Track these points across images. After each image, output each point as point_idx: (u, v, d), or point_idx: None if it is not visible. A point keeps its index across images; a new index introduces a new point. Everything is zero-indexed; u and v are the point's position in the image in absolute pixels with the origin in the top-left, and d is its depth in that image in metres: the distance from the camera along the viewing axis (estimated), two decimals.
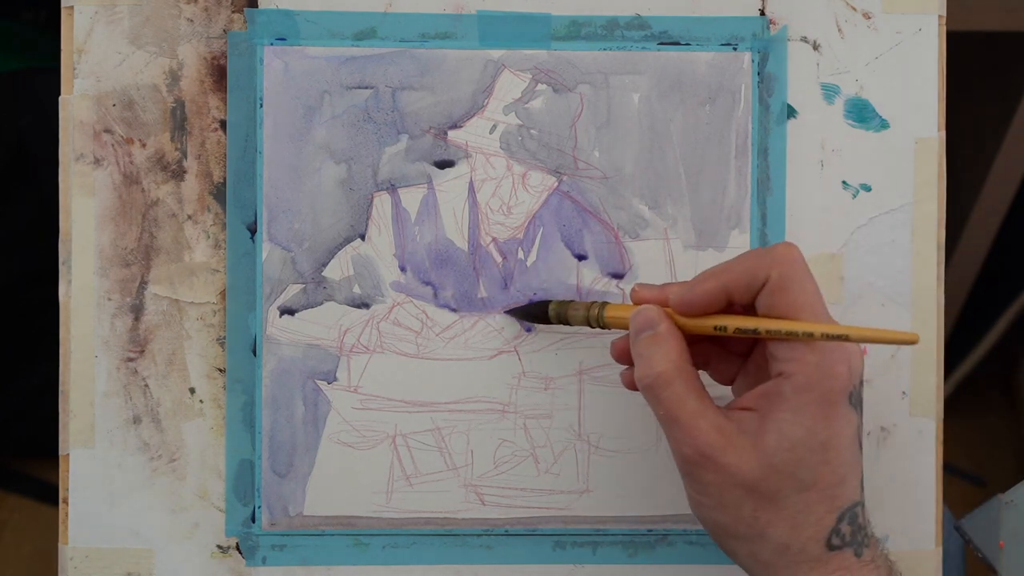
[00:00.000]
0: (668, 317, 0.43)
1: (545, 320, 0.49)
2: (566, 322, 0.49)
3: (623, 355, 0.46)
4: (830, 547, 0.41)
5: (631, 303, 0.46)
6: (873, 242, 0.51)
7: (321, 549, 0.51)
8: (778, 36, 0.51)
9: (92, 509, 0.51)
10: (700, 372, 0.44)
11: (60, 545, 0.51)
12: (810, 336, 0.40)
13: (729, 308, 0.43)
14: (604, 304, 0.47)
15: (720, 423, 0.41)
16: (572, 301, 0.49)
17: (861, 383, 0.42)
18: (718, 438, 0.41)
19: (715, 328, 0.42)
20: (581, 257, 0.51)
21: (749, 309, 0.43)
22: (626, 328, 0.45)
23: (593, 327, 0.47)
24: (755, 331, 0.42)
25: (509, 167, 0.51)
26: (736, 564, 0.44)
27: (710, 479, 0.42)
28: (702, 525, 0.44)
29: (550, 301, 0.50)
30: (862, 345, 0.43)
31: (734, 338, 0.44)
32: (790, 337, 0.41)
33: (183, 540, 0.51)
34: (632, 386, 0.45)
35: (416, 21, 0.51)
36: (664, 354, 0.42)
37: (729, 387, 0.47)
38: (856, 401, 0.42)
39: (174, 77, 0.51)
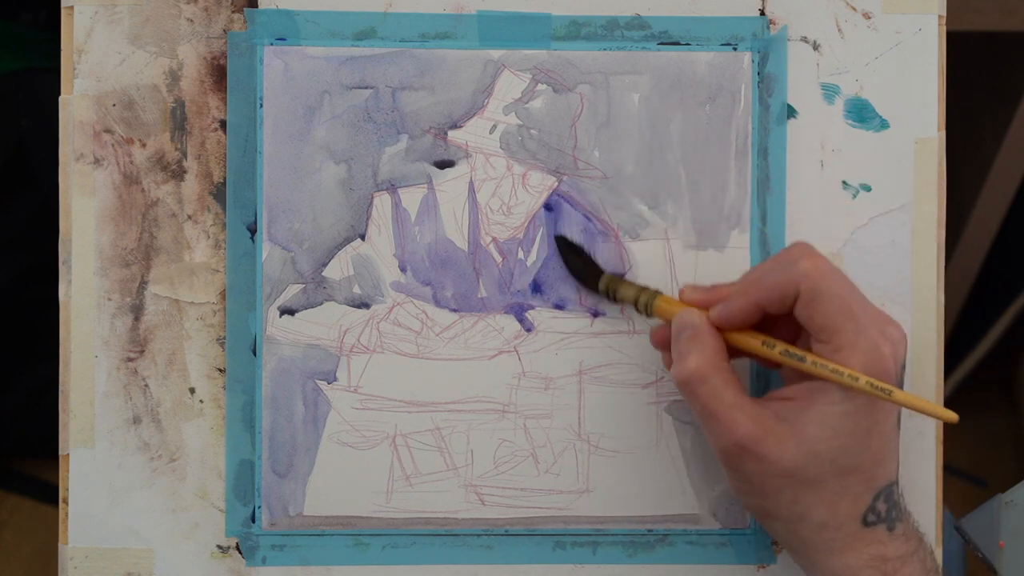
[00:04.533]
0: (707, 319, 0.45)
1: (592, 286, 0.50)
2: (612, 297, 0.49)
3: (662, 343, 0.48)
4: (865, 523, 0.44)
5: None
6: (873, 242, 0.51)
7: (321, 549, 0.51)
8: (778, 36, 0.51)
9: (92, 509, 0.51)
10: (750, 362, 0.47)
11: (60, 545, 0.51)
12: (855, 380, 0.42)
13: (769, 318, 0.45)
14: (656, 293, 0.48)
15: (757, 414, 0.43)
16: (624, 279, 0.50)
17: (903, 368, 0.44)
18: (755, 429, 0.43)
19: (763, 344, 0.45)
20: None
21: (789, 317, 0.44)
22: (670, 320, 0.47)
23: (639, 312, 0.48)
24: (801, 359, 0.43)
25: (509, 167, 0.51)
26: (778, 542, 0.47)
27: (750, 469, 0.43)
28: (745, 507, 0.46)
29: (604, 272, 0.50)
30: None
31: (782, 329, 0.46)
32: (835, 377, 0.42)
33: (183, 540, 0.51)
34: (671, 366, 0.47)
35: (416, 21, 0.51)
36: (699, 351, 0.44)
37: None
38: (898, 386, 0.43)
39: (174, 77, 0.51)
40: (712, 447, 0.45)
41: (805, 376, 0.44)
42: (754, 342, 0.45)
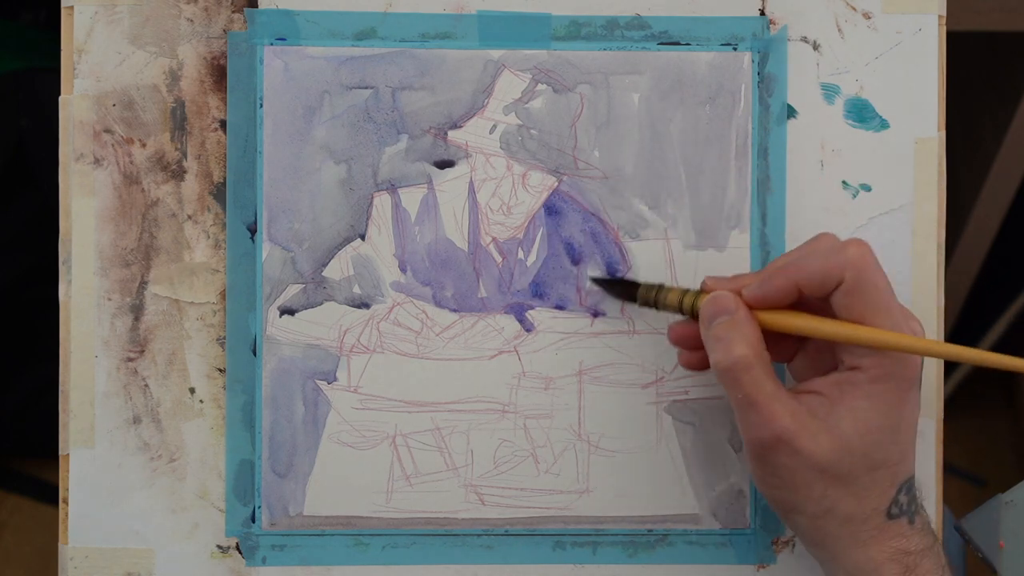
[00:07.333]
0: (744, 304, 0.44)
1: (630, 300, 0.49)
2: (654, 307, 0.48)
3: (681, 339, 0.47)
4: (890, 516, 0.44)
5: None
6: (873, 242, 0.51)
7: (321, 549, 0.51)
8: (778, 36, 0.51)
9: (92, 509, 0.51)
10: None
11: (60, 545, 0.51)
12: (898, 348, 0.43)
13: (801, 300, 0.44)
14: (699, 292, 0.46)
15: (794, 408, 0.43)
16: (662, 286, 0.48)
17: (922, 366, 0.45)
18: (793, 422, 0.43)
19: (795, 328, 0.44)
20: (579, 258, 0.51)
21: (822, 302, 0.44)
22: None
23: (685, 315, 0.47)
24: (836, 336, 0.43)
25: (509, 167, 0.51)
26: (798, 536, 0.47)
27: (783, 462, 0.43)
28: (768, 501, 0.46)
29: (639, 284, 0.49)
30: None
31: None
32: (876, 345, 0.43)
33: (183, 540, 0.51)
34: (691, 367, 0.47)
35: (416, 21, 0.51)
36: (743, 338, 0.43)
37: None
38: (920, 384, 0.45)
39: (174, 77, 0.51)
40: (744, 436, 0.44)
41: (826, 370, 0.45)
42: (787, 324, 0.44)
